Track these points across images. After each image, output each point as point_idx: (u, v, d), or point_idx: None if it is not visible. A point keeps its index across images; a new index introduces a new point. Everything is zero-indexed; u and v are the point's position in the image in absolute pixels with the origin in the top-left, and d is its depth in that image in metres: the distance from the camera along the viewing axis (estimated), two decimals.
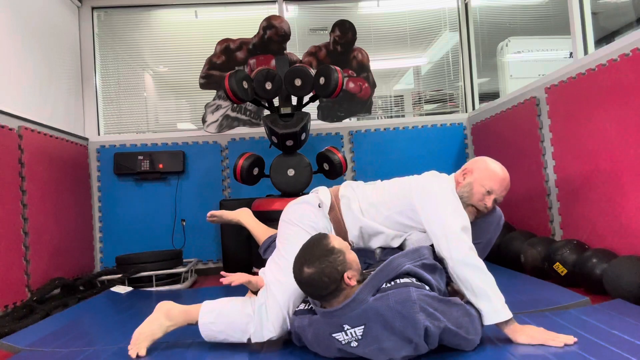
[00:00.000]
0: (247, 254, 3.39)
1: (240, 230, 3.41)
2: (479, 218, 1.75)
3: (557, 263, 2.30)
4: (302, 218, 1.75)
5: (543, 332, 1.47)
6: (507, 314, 1.44)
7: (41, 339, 1.92)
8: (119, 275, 2.98)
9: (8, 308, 2.40)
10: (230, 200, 3.53)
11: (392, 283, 1.37)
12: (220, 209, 3.44)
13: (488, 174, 1.71)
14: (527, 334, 1.46)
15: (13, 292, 2.47)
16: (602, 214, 2.31)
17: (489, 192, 1.69)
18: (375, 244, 1.77)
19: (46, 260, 2.83)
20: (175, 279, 3.13)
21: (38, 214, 2.77)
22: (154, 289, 2.98)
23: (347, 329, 1.35)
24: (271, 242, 1.99)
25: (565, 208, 2.63)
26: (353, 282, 1.38)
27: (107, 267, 3.55)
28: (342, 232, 1.76)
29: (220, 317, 1.62)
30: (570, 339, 1.43)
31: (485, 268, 1.49)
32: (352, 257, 1.42)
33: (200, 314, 1.63)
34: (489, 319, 1.44)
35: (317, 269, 1.35)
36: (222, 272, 1.62)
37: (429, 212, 1.61)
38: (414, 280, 1.39)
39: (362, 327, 1.34)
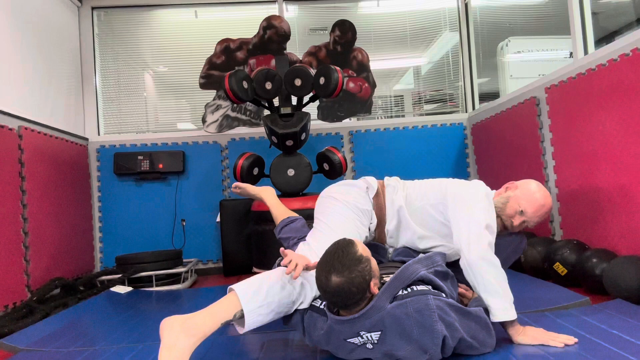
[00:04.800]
0: (247, 254, 3.39)
1: (240, 230, 3.43)
2: (501, 235, 1.73)
3: (557, 263, 2.30)
4: (347, 196, 1.77)
5: (543, 332, 1.48)
6: (514, 314, 1.46)
7: (41, 339, 1.92)
8: (119, 275, 2.97)
9: (8, 308, 2.40)
10: (230, 200, 3.53)
11: (409, 290, 1.36)
12: (220, 209, 3.44)
13: (529, 195, 1.71)
14: (528, 335, 1.47)
15: (13, 292, 2.47)
16: (602, 213, 2.31)
17: (521, 212, 1.69)
18: (403, 237, 1.80)
19: (46, 260, 2.83)
20: (175, 279, 3.14)
21: (38, 214, 2.77)
22: (154, 289, 2.98)
23: (363, 334, 1.34)
24: (288, 223, 1.97)
25: (565, 208, 2.63)
26: (376, 290, 1.34)
27: (107, 267, 3.55)
28: (382, 218, 1.80)
29: (267, 297, 1.43)
30: (571, 339, 1.44)
31: (500, 266, 1.50)
32: (375, 264, 1.38)
33: (243, 302, 1.41)
34: (497, 317, 1.45)
35: (346, 279, 1.27)
36: (282, 250, 1.50)
37: (458, 202, 1.64)
38: (430, 287, 1.39)
39: (379, 332, 1.32)
